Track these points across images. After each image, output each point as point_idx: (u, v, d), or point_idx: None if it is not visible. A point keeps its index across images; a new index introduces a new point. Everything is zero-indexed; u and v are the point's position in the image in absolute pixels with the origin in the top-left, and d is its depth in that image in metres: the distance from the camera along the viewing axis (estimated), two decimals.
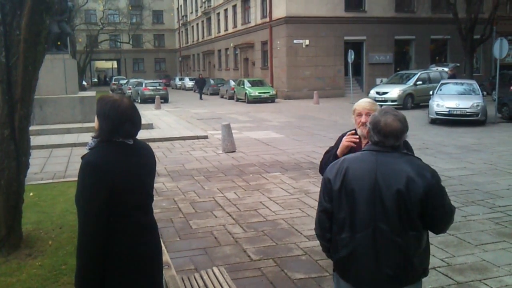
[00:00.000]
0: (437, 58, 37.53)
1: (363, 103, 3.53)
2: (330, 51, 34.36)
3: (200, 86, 38.36)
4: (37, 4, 4.94)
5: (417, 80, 24.98)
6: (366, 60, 35.73)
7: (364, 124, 3.46)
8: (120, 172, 2.55)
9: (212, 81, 43.19)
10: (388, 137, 2.61)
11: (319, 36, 33.89)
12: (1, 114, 4.97)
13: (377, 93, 24.74)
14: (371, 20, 34.68)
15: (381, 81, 31.97)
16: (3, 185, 5.01)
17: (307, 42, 33.88)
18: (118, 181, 2.52)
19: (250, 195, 8.32)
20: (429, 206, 2.53)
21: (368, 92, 26.89)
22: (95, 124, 2.68)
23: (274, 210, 7.39)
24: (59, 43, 17.43)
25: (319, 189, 9.20)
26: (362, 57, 35.67)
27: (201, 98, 36.79)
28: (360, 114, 3.50)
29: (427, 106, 19.72)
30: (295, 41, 33.71)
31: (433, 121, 18.21)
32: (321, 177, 3.86)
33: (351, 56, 27.58)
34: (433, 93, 19.19)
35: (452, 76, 22.86)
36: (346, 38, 34.45)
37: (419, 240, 2.59)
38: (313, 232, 6.22)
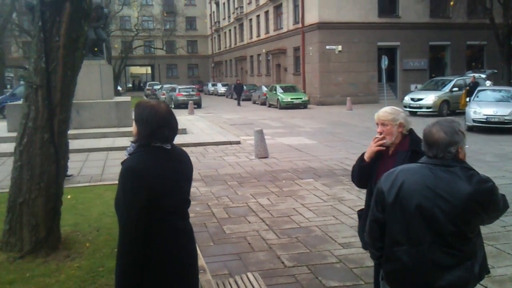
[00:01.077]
0: (473, 64, 36.77)
1: (380, 113, 3.46)
2: (363, 57, 34.08)
3: (238, 92, 37.58)
4: (76, 11, 5.06)
5: (453, 87, 24.44)
6: (400, 66, 35.30)
7: (380, 133, 3.40)
8: (159, 177, 2.57)
9: (244, 87, 43.30)
10: (431, 147, 2.55)
11: (352, 42, 33.65)
12: (41, 119, 5.08)
13: (412, 99, 24.35)
14: (405, 26, 34.26)
15: (416, 87, 31.47)
16: (43, 188, 5.12)
17: (339, 48, 33.68)
18: (156, 186, 2.54)
19: (283, 201, 8.29)
20: (485, 216, 2.53)
21: (403, 99, 26.52)
22: (133, 129, 2.71)
23: (308, 217, 7.34)
24: (96, 49, 17.79)
25: (353, 196, 9.01)
26: (396, 63, 35.25)
27: (239, 104, 36.20)
28: (377, 124, 3.46)
29: (463, 113, 19.33)
30: (327, 47, 33.56)
31: (470, 129, 17.79)
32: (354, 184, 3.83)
33: (384, 62, 27.26)
34: (470, 100, 18.78)
35: (475, 84, 22.34)
36: (379, 44, 34.14)
37: (477, 247, 2.57)
38: (348, 240, 6.19)
